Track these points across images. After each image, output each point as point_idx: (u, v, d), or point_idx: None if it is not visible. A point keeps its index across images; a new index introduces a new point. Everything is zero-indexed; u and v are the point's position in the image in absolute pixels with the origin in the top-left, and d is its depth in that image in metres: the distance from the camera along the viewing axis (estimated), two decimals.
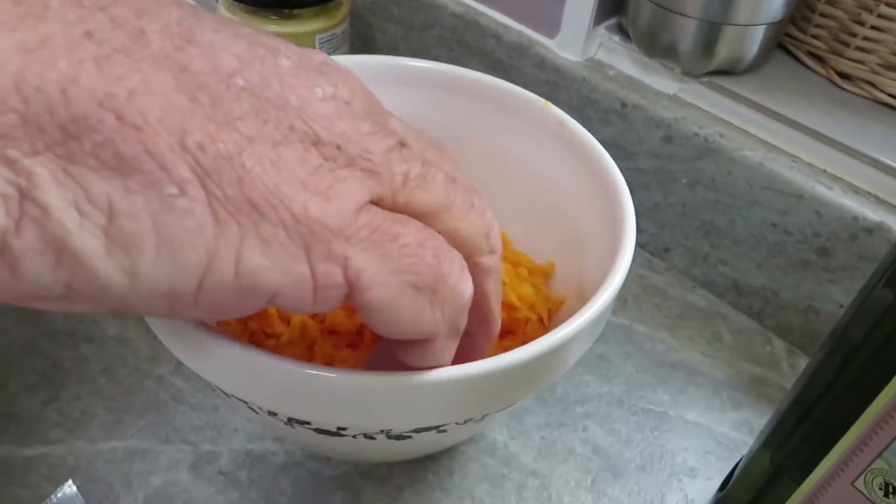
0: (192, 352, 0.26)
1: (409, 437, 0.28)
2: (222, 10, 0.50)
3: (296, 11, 0.49)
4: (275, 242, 0.17)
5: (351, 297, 0.19)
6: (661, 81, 0.45)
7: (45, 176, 0.15)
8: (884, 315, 0.22)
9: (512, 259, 0.39)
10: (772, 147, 0.42)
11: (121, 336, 0.40)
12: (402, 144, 0.21)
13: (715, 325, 0.45)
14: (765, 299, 0.45)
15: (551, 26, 0.48)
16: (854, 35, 0.43)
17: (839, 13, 0.43)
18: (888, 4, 0.41)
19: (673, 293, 0.47)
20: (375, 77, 0.40)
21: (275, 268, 0.18)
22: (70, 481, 0.33)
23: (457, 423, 0.28)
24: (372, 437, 0.28)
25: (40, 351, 0.39)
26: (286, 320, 0.37)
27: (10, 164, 0.14)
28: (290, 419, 0.27)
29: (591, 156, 0.35)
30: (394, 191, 0.20)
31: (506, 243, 0.39)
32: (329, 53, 0.50)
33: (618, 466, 0.37)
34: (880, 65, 0.43)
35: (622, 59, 0.47)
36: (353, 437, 0.28)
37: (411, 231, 0.20)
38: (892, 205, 0.39)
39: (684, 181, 0.45)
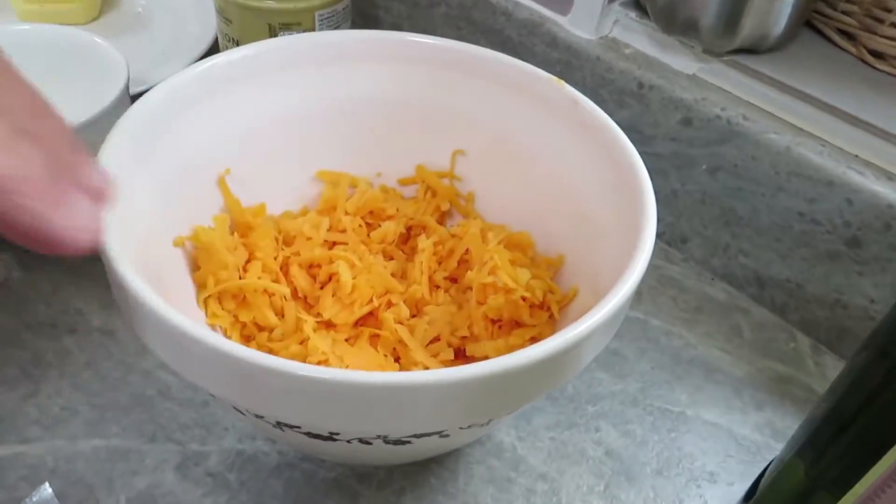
0: (171, 347, 0.24)
1: (409, 441, 0.26)
2: None
3: None
4: None
5: None
6: (681, 60, 0.43)
7: None
8: None
9: (512, 242, 0.36)
10: (799, 130, 0.39)
11: (106, 327, 0.38)
12: None
13: (735, 319, 0.43)
14: (789, 292, 0.42)
15: (564, 2, 0.46)
16: (889, 10, 0.40)
17: None
18: None
19: (690, 285, 0.44)
20: (375, 53, 0.37)
21: None
22: (46, 484, 0.31)
23: (460, 428, 0.26)
24: (368, 443, 0.26)
25: (20, 342, 0.37)
26: (280, 313, 0.35)
27: None
28: (278, 423, 0.25)
29: (607, 138, 0.32)
30: None
31: (503, 231, 0.36)
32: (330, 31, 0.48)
33: (632, 470, 0.35)
34: None
35: (639, 37, 0.44)
36: (348, 441, 0.26)
37: None
38: None
39: (704, 167, 0.42)
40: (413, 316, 0.35)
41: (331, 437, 0.25)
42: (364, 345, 0.34)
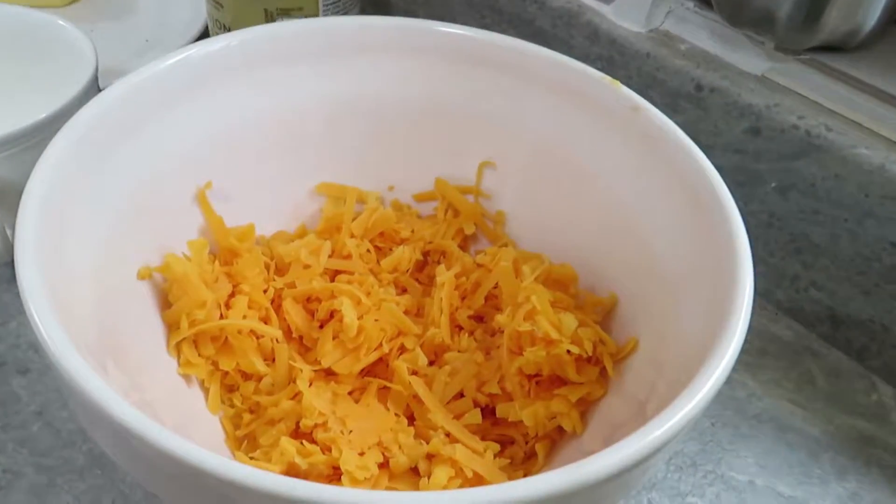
0: (119, 446, 0.18)
1: None
2: None
3: None
4: None
5: None
6: (749, 59, 0.37)
7: None
8: None
9: (552, 277, 0.30)
10: (895, 145, 0.33)
11: None
12: None
13: (805, 363, 0.37)
14: (871, 334, 0.36)
15: None
16: None
17: None
18: None
19: (751, 321, 0.38)
20: (387, 43, 0.31)
21: None
22: None
23: None
24: None
25: None
26: (269, 357, 0.29)
27: None
28: None
29: (676, 154, 0.26)
30: None
31: (541, 263, 0.30)
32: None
33: None
34: None
35: (697, 31, 0.38)
36: None
37: None
38: None
39: (773, 185, 0.36)
40: (431, 363, 0.29)
41: None
42: (371, 401, 0.28)
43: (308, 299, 0.30)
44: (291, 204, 0.33)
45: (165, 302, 0.27)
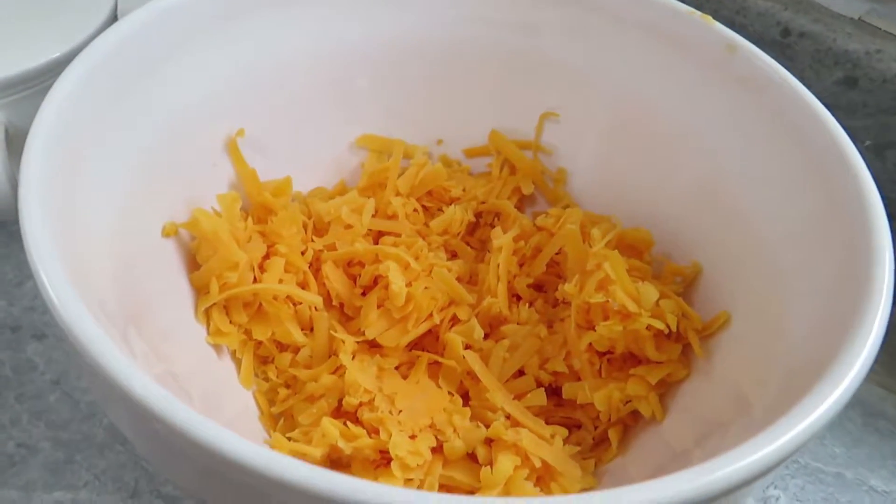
0: (148, 439, 0.15)
1: None
2: None
3: None
4: None
5: None
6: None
7: None
8: None
9: (625, 242, 0.27)
10: None
11: None
12: None
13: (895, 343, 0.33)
14: None
15: None
16: None
17: None
18: None
19: None
20: None
21: None
22: None
23: None
24: None
25: None
26: (307, 326, 0.26)
27: None
28: None
29: (784, 104, 0.23)
30: None
31: (612, 227, 0.27)
32: None
33: None
34: None
35: None
36: None
37: None
38: None
39: (868, 143, 0.32)
40: (487, 336, 0.26)
41: None
42: (421, 377, 0.25)
43: (349, 263, 0.27)
44: (330, 157, 0.30)
45: (193, 263, 0.24)
